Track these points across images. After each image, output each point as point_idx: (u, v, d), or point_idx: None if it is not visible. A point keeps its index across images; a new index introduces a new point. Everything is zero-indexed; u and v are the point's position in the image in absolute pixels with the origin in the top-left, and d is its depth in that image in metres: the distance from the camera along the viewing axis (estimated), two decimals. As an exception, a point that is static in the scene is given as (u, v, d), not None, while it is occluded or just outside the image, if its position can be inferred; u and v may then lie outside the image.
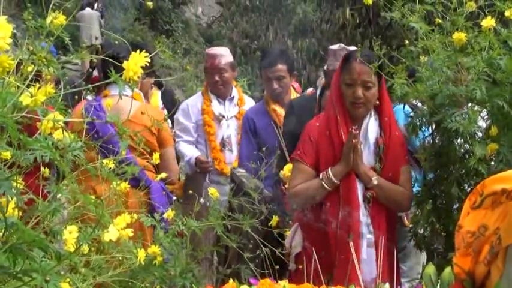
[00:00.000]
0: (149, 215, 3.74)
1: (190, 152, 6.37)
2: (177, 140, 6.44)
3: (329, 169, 4.14)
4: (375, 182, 4.13)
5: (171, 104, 7.07)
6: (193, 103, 6.57)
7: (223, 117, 6.49)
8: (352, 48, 5.21)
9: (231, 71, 6.48)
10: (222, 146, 6.44)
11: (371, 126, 4.26)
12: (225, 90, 6.51)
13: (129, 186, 4.41)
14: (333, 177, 4.11)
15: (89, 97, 6.08)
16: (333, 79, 4.39)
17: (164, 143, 5.18)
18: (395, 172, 4.22)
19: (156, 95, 7.14)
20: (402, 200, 4.25)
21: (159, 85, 7.31)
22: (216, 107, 6.48)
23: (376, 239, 4.09)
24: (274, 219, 4.16)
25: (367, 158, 4.21)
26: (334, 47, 5.40)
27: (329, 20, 19.84)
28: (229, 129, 6.48)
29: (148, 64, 2.18)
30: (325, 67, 5.36)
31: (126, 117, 3.82)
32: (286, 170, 4.60)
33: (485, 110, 3.93)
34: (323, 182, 4.13)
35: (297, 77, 6.30)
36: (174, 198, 5.17)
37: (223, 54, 6.47)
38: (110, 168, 3.12)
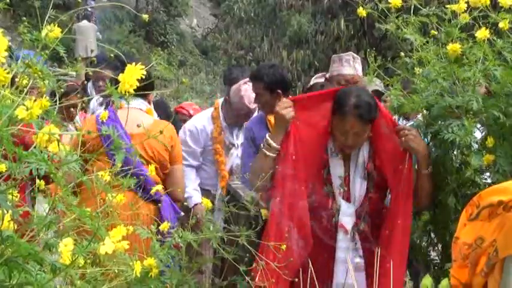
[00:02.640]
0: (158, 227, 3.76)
1: (194, 191, 6.28)
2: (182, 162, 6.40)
3: (267, 135, 4.21)
4: (427, 172, 4.07)
5: (165, 116, 7.04)
6: (202, 127, 6.39)
7: (233, 145, 6.44)
8: (356, 55, 5.26)
9: None
10: (230, 174, 6.39)
11: (361, 155, 4.26)
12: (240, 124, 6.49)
13: (141, 198, 4.50)
14: (272, 142, 4.14)
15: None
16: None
17: (175, 159, 5.21)
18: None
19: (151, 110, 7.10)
20: (432, 194, 4.18)
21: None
22: (227, 135, 6.42)
23: (369, 262, 4.09)
24: (263, 212, 4.15)
25: (360, 184, 4.21)
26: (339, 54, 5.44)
27: (324, 31, 19.91)
28: (238, 158, 6.43)
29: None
30: (328, 73, 5.39)
31: (141, 129, 3.85)
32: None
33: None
34: (264, 149, 4.17)
35: (280, 96, 5.73)
36: (182, 214, 5.18)
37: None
38: (106, 180, 3.11)
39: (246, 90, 6.19)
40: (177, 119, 7.78)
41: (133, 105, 5.00)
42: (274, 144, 4.13)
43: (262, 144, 4.20)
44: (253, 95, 6.04)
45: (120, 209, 3.53)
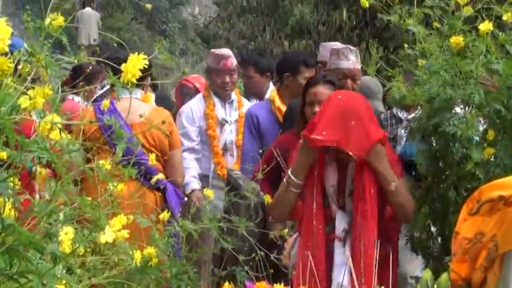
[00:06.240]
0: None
1: (192, 178, 6.26)
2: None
3: (289, 171, 4.11)
4: (393, 188, 3.98)
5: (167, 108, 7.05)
6: (195, 107, 6.43)
7: (227, 122, 6.45)
8: (353, 48, 5.26)
9: (236, 73, 6.50)
10: (224, 151, 6.40)
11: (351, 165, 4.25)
12: (230, 93, 6.49)
13: (146, 187, 4.56)
14: (294, 179, 4.07)
15: (74, 97, 6.12)
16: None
17: (174, 144, 5.27)
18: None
19: (150, 98, 7.06)
20: (410, 208, 4.09)
21: (153, 87, 7.29)
22: (220, 111, 6.44)
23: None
24: (267, 198, 4.13)
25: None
26: (338, 46, 5.43)
27: (326, 21, 19.82)
28: (232, 134, 6.45)
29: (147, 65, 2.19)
30: (327, 66, 5.42)
31: (140, 118, 3.88)
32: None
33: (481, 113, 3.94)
34: (287, 184, 4.09)
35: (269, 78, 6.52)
36: (186, 199, 5.21)
37: (232, 56, 6.45)
38: (107, 169, 3.11)
39: (219, 50, 6.65)
40: (184, 92, 7.77)
41: (128, 94, 4.99)
42: (296, 181, 4.07)
43: (285, 180, 4.13)
44: (226, 52, 6.47)
45: (125, 199, 3.56)
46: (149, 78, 5.37)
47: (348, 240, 4.07)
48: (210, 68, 6.48)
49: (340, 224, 4.10)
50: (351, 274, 3.99)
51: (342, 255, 4.06)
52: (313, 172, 4.08)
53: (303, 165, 4.08)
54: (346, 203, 4.13)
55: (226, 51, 6.60)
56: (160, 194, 5.05)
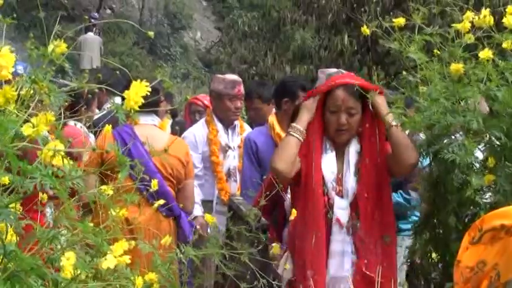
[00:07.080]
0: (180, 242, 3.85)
1: (195, 204, 6.22)
2: None
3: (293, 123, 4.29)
4: (393, 123, 4.15)
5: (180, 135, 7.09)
6: (198, 133, 6.44)
7: (230, 147, 6.45)
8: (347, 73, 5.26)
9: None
10: (228, 177, 6.39)
11: (352, 152, 4.33)
12: (237, 118, 6.52)
13: (163, 214, 4.62)
14: (296, 125, 4.24)
15: (71, 122, 6.14)
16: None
17: (188, 174, 5.32)
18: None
19: (166, 123, 7.08)
20: (413, 147, 4.19)
21: (172, 114, 7.34)
22: (223, 137, 6.44)
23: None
24: (275, 248, 4.16)
25: (351, 181, 4.29)
26: (332, 71, 5.44)
27: (327, 46, 19.86)
28: (235, 160, 6.44)
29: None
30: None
31: (159, 146, 3.95)
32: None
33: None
34: (288, 132, 4.27)
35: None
36: (198, 227, 5.25)
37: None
38: (109, 194, 3.11)
39: (229, 76, 6.67)
40: (193, 109, 7.86)
41: (147, 121, 5.07)
42: (297, 126, 4.22)
43: (289, 129, 4.28)
44: (238, 78, 6.56)
45: (142, 224, 3.59)
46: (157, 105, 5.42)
47: (351, 229, 4.18)
48: (222, 93, 6.40)
49: (339, 210, 4.17)
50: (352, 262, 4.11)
51: (339, 242, 4.15)
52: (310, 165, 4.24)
53: (304, 117, 4.26)
54: (343, 190, 4.26)
55: (237, 77, 6.63)
56: (174, 221, 5.11)
